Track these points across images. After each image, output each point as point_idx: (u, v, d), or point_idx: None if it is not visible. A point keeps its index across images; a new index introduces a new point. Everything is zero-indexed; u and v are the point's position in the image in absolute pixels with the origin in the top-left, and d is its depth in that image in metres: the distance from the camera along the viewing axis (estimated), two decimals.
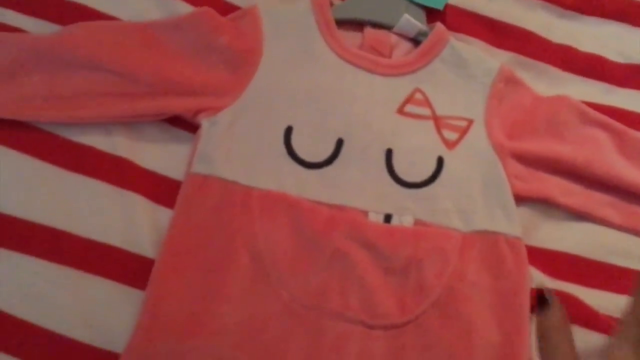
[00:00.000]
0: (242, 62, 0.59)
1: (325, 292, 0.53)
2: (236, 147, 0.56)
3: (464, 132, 0.61)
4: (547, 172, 0.60)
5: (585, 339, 0.53)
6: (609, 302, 0.56)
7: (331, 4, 0.64)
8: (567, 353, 0.52)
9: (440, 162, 0.59)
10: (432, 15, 0.66)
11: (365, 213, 0.56)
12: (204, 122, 0.56)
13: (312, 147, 0.58)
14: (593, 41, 0.69)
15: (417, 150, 0.59)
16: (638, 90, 0.67)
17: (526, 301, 0.55)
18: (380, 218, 0.57)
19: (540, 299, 0.54)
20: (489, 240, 0.57)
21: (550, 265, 0.57)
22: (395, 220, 0.57)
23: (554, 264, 0.58)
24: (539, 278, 0.56)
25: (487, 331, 0.54)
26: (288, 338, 0.51)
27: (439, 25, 0.64)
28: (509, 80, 0.62)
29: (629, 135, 0.61)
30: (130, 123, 0.57)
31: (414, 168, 0.59)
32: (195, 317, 0.50)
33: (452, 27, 0.65)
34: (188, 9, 0.61)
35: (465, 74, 0.62)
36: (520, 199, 0.59)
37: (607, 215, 0.59)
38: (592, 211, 0.60)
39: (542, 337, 0.53)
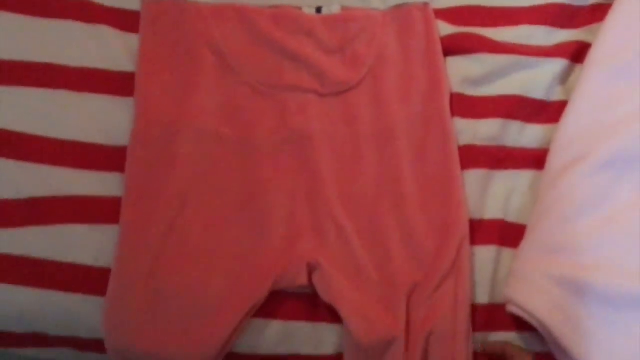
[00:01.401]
0: None
1: (281, 72, 0.65)
2: None
3: None
4: None
5: (489, 61, 0.68)
6: (507, 34, 0.70)
7: None
8: None
9: None
10: None
11: (299, 8, 0.68)
12: None
13: None
14: None
15: None
16: None
17: (439, 48, 0.68)
18: (313, 11, 0.68)
19: None
20: (403, 12, 0.69)
21: (456, 18, 0.70)
22: (325, 10, 0.68)
23: (458, 16, 0.71)
24: (447, 28, 0.70)
25: (415, 79, 0.67)
26: (260, 111, 0.64)
27: None
28: None
29: None
30: None
31: None
32: (179, 105, 0.62)
33: None
34: None
35: None
36: None
37: None
38: None
39: None
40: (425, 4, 0.70)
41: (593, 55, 0.66)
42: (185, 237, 0.59)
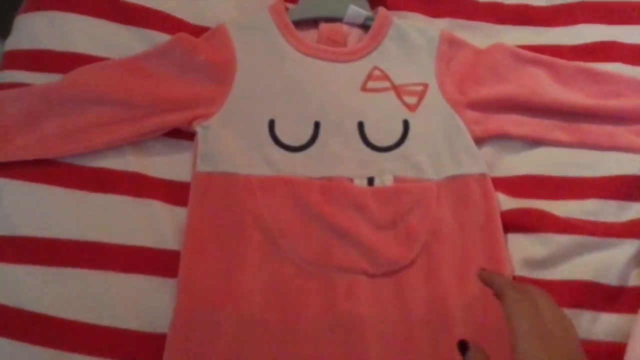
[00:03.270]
0: (221, 73, 0.68)
1: (329, 251, 0.62)
2: (230, 144, 0.65)
3: (421, 95, 0.70)
4: (498, 112, 0.69)
5: (553, 241, 0.62)
6: (573, 209, 0.65)
7: (286, 9, 0.73)
8: None
9: (406, 124, 0.68)
10: (374, 1, 0.75)
11: (350, 180, 0.65)
12: (199, 129, 0.66)
13: (294, 133, 0.67)
14: None
15: (384, 118, 0.68)
16: (562, 27, 0.75)
17: (499, 224, 0.64)
18: (364, 182, 0.66)
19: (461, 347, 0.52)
20: (459, 183, 0.66)
21: (516, 189, 0.66)
22: (377, 181, 0.66)
23: (519, 187, 0.66)
24: (507, 201, 0.65)
25: (473, 259, 0.63)
26: (306, 294, 0.60)
27: (381, 9, 0.73)
28: (451, 42, 0.72)
29: (559, 64, 0.70)
30: (137, 142, 0.66)
31: (384, 134, 0.68)
32: (223, 288, 0.59)
33: (392, 8, 0.74)
34: (166, 37, 0.70)
35: (412, 45, 0.71)
36: (481, 140, 0.69)
37: (556, 137, 0.68)
38: (543, 136, 0.68)
39: None
40: (483, 175, 0.66)
41: None
42: None
